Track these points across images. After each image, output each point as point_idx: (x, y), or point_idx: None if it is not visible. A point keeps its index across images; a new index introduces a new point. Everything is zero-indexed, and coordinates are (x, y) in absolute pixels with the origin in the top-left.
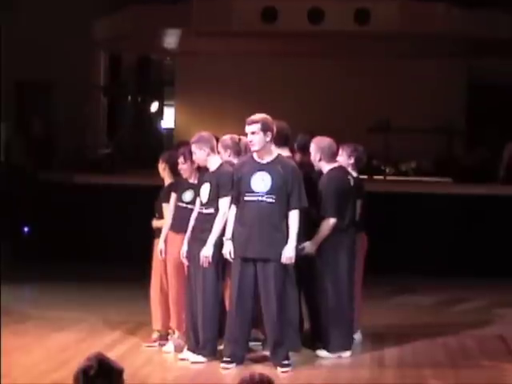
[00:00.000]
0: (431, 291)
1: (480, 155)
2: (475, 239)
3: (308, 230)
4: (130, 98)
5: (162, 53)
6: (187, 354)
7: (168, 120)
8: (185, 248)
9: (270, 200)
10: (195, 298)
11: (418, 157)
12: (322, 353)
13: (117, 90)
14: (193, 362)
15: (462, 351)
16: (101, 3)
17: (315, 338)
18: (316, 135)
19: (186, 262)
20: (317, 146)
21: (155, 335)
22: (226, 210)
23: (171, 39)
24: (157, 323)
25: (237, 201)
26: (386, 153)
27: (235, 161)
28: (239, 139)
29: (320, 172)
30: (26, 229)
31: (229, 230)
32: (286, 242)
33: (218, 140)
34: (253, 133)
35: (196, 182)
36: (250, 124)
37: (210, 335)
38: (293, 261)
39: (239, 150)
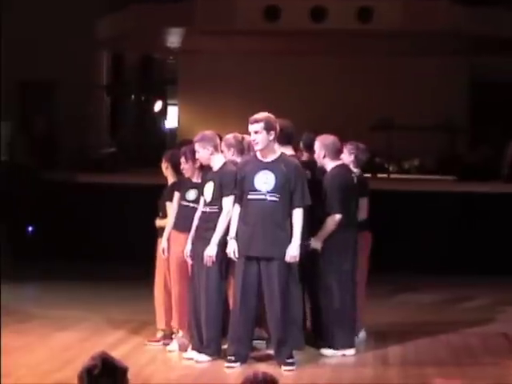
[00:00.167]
0: (434, 289)
1: (483, 153)
2: (478, 237)
3: (312, 228)
4: (132, 97)
5: (165, 52)
6: (192, 353)
7: (171, 119)
8: (188, 247)
9: (274, 199)
10: (199, 296)
11: (421, 155)
12: (326, 351)
13: (120, 89)
14: (197, 361)
15: (465, 349)
16: (103, 2)
17: (317, 336)
18: (319, 134)
19: (189, 261)
20: (321, 144)
21: (159, 334)
22: (230, 209)
23: (174, 38)
24: (161, 322)
25: (240, 200)
26: (389, 151)
27: (238, 160)
28: (242, 138)
29: (323, 169)
30: (30, 228)
31: (232, 229)
32: (290, 241)
33: (221, 139)
34: (256, 132)
35: (199, 180)
36: (253, 123)
37: (213, 334)
38: (297, 259)
39: (242, 148)
